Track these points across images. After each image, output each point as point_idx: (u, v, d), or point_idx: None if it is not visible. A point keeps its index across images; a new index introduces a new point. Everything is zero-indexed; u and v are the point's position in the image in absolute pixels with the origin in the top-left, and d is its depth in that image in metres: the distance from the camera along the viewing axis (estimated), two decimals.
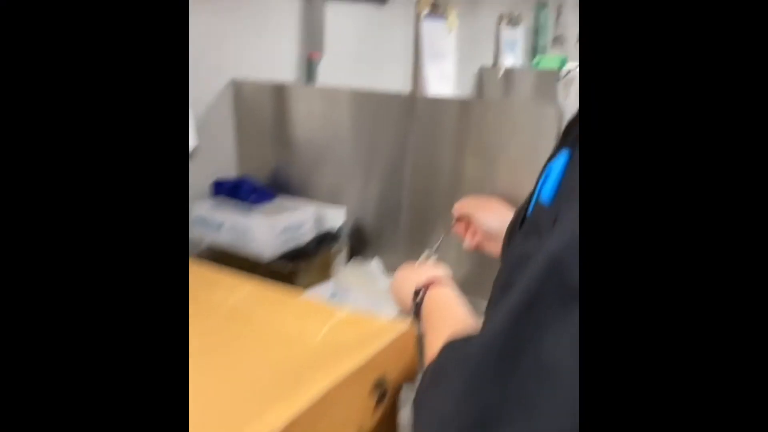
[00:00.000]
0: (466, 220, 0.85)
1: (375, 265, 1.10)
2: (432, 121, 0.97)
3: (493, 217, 0.80)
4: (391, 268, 1.11)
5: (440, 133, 0.96)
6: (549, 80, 2.10)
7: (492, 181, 0.92)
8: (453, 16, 1.93)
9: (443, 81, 1.94)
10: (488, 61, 2.26)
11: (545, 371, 0.33)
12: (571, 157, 0.41)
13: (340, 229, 1.13)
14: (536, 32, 2.52)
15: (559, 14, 2.66)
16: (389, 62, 1.70)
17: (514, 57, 2.37)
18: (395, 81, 1.75)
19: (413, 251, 1.10)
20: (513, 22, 2.33)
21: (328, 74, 1.40)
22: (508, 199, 0.87)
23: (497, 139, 0.89)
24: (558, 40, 2.69)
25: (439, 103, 0.97)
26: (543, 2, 2.50)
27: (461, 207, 0.86)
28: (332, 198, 1.16)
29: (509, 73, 2.20)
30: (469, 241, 0.85)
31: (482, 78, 2.22)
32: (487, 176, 0.92)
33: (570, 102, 2.07)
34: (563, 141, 0.47)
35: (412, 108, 0.99)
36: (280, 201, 1.14)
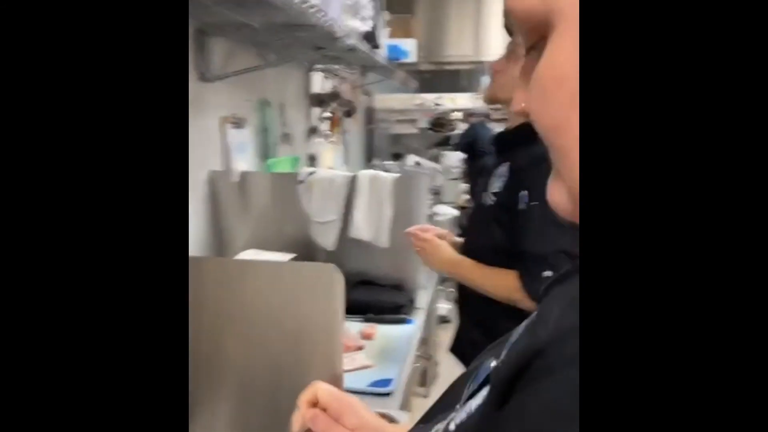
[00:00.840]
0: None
1: None
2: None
3: None
4: None
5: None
6: (288, 183, 1.97)
7: (258, 365, 0.68)
8: None
9: None
10: (218, 166, 2.04)
11: None
12: None
13: None
14: (263, 132, 2.41)
15: (282, 112, 2.61)
16: None
17: (246, 159, 2.20)
18: None
19: None
20: (238, 123, 2.17)
21: None
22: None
23: (266, 310, 0.66)
24: (286, 138, 2.63)
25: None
26: (265, 102, 2.42)
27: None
28: None
29: (245, 176, 2.01)
30: None
31: (214, 184, 1.99)
32: (253, 357, 0.68)
33: (313, 206, 1.97)
34: None
35: None
36: None
